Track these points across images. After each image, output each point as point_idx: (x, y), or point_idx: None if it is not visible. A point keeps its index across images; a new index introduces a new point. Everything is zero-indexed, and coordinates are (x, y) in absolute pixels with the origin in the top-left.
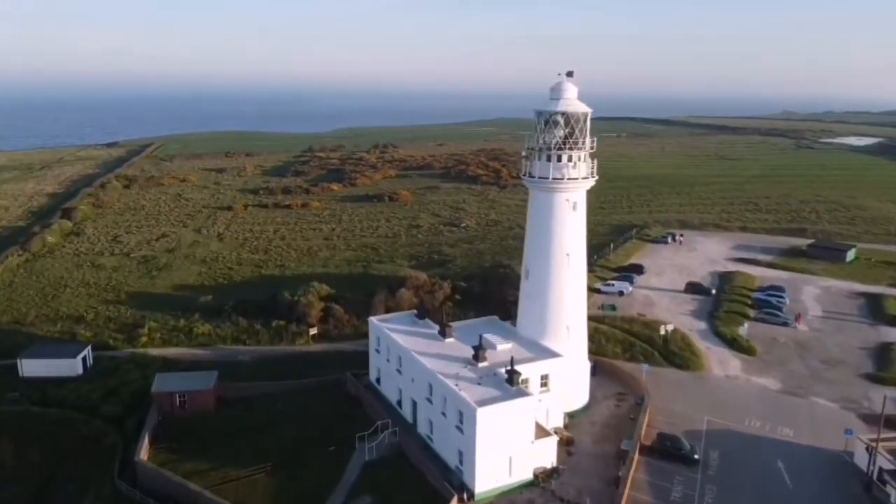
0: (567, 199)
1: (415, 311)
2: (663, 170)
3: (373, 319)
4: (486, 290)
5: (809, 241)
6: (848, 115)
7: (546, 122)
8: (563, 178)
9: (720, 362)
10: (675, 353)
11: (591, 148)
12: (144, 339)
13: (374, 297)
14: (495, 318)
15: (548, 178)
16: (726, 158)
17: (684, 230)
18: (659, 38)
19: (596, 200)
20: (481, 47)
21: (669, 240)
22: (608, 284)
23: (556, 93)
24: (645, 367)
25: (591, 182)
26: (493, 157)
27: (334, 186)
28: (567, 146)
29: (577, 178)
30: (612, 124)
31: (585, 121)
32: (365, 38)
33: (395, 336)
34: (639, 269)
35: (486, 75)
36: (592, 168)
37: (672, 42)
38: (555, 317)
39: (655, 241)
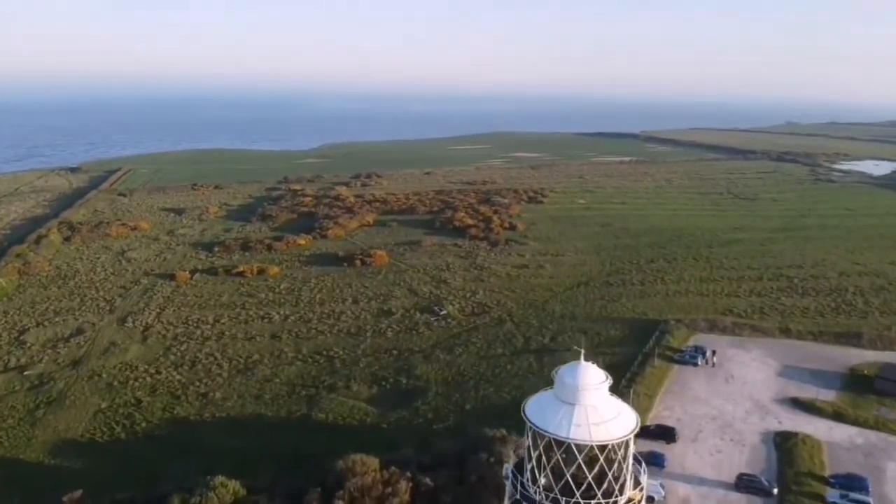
0: None
1: None
2: (675, 220)
3: None
4: (461, 496)
5: (875, 368)
6: (852, 128)
7: (549, 451)
8: None
9: None
10: None
11: (640, 497)
12: None
13: None
14: None
15: None
16: (740, 197)
17: (713, 333)
18: (659, 40)
19: (601, 268)
20: (477, 50)
21: (700, 360)
22: None
23: (568, 392)
24: None
25: None
26: (484, 197)
27: (301, 240)
28: (592, 496)
29: None
30: (615, 144)
31: (628, 449)
32: (368, 40)
33: None
34: (669, 435)
35: (483, 78)
36: None
37: (673, 45)
38: None
39: (682, 360)
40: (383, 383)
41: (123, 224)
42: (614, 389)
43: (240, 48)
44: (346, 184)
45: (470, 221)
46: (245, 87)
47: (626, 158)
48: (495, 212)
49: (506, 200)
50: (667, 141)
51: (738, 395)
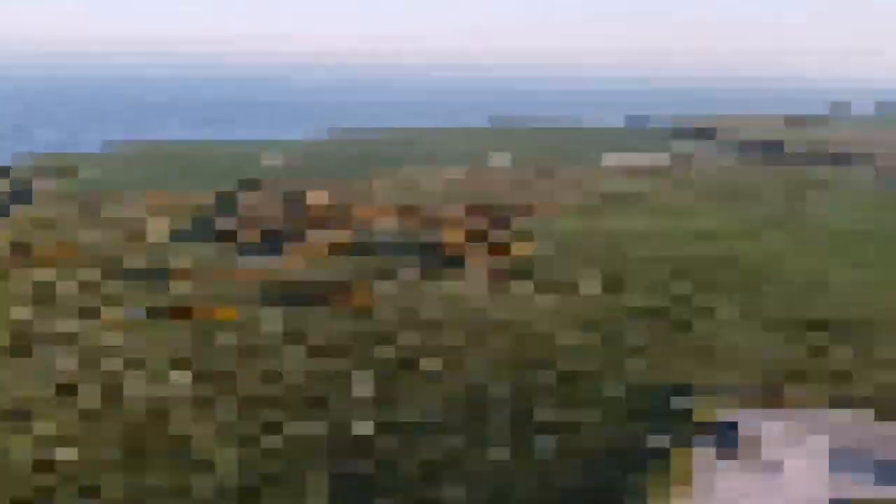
0: None
1: None
2: (708, 245)
3: None
4: None
5: None
6: None
7: None
8: None
9: None
10: None
11: None
12: None
13: None
14: None
15: None
16: (782, 220)
17: (752, 402)
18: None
19: (613, 308)
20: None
21: (734, 441)
22: None
23: None
24: None
25: None
26: (478, 212)
27: (261, 267)
28: None
29: None
30: (634, 139)
31: None
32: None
33: None
34: None
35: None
36: None
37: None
38: None
39: (711, 442)
40: None
41: (46, 253)
42: (621, 483)
43: (203, 14)
44: (322, 190)
45: (459, 242)
46: (213, 61)
47: (647, 163)
48: (489, 231)
49: (502, 217)
50: (699, 132)
51: (781, 495)
